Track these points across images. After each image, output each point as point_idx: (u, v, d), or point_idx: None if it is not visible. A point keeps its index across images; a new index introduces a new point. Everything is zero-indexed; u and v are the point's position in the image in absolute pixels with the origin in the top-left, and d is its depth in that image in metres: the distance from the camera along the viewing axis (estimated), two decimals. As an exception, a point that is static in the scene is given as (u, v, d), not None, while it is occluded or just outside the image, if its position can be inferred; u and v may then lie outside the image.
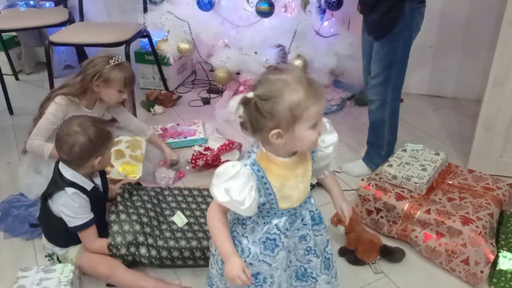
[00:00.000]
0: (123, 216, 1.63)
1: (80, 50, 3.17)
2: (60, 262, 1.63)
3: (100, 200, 1.66)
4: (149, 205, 1.74)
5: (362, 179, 1.82)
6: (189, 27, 2.35)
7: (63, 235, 1.61)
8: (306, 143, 1.07)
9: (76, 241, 1.61)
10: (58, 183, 1.55)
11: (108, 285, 1.58)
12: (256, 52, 2.26)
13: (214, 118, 2.71)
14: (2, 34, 3.08)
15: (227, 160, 2.16)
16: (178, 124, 2.42)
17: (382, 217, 1.74)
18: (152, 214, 1.70)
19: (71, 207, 1.53)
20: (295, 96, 1.00)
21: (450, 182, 1.81)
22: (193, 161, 2.16)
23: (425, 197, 1.72)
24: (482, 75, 2.46)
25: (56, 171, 1.58)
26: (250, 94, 1.03)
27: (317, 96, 1.02)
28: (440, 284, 1.59)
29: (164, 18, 2.39)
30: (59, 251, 1.64)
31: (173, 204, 1.80)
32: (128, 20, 2.88)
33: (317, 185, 2.09)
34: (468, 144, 2.19)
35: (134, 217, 1.63)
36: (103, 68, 1.89)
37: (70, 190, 1.53)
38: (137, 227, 1.60)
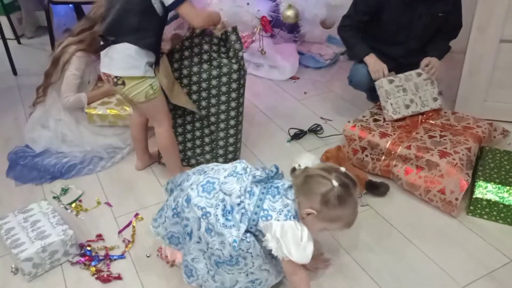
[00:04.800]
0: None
1: (79, 12, 3.23)
2: (66, 203, 1.76)
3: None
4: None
5: (349, 121, 1.92)
6: (184, -17, 2.40)
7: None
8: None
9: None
10: None
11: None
12: (248, 3, 2.31)
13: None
14: (2, -3, 3.14)
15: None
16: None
17: (367, 156, 1.84)
18: None
19: None
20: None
21: (433, 122, 1.90)
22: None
23: (407, 135, 1.81)
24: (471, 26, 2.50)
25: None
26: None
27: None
28: (420, 213, 1.70)
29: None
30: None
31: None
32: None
33: (309, 131, 2.19)
34: (456, 92, 2.26)
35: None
36: None
37: None
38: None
